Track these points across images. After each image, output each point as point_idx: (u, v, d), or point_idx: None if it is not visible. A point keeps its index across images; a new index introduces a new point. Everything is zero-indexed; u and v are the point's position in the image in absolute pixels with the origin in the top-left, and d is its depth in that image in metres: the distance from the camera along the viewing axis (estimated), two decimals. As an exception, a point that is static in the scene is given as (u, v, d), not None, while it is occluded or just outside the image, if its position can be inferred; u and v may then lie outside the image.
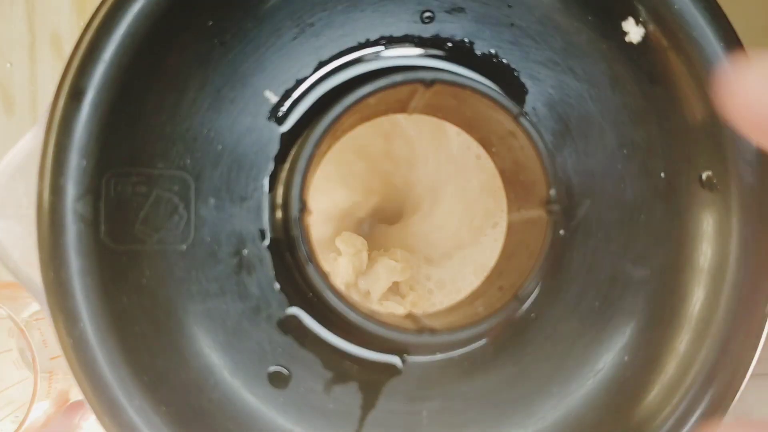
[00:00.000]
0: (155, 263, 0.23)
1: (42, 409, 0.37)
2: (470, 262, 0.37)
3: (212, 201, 0.24)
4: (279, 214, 0.24)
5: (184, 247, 0.23)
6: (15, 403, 0.40)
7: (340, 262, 0.36)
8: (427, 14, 0.25)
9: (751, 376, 0.24)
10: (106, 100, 0.22)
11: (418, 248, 0.38)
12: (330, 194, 0.37)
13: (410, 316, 0.26)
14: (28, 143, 0.23)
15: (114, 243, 0.22)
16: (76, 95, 0.21)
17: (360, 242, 0.37)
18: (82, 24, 0.43)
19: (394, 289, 0.37)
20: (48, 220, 0.21)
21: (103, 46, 0.22)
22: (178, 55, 0.23)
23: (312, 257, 0.23)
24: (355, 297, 0.36)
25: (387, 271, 0.36)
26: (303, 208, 0.23)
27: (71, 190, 0.21)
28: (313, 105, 0.25)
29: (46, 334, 0.38)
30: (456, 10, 0.25)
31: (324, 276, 0.23)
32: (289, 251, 0.24)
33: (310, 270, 0.23)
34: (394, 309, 0.36)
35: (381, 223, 0.40)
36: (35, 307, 0.38)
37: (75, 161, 0.21)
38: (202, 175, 0.24)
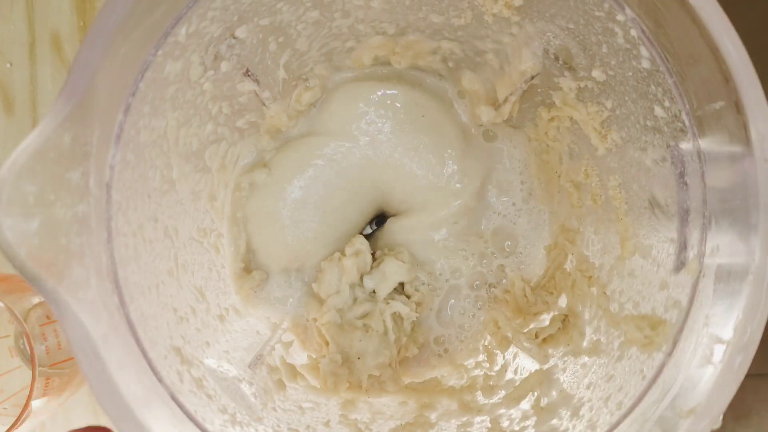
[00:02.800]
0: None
1: (37, 406, 0.36)
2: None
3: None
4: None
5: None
6: (5, 393, 0.40)
7: (344, 263, 0.36)
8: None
9: (751, 376, 0.24)
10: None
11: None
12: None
13: None
14: (34, 141, 0.23)
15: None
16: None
17: (360, 242, 0.37)
18: (82, 24, 0.43)
19: (399, 289, 0.38)
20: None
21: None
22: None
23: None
24: (359, 295, 0.37)
25: (393, 271, 0.36)
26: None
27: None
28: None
29: (49, 339, 0.38)
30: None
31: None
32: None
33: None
34: (401, 308, 0.36)
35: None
36: (35, 300, 0.38)
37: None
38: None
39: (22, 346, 0.41)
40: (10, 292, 0.36)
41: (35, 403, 0.35)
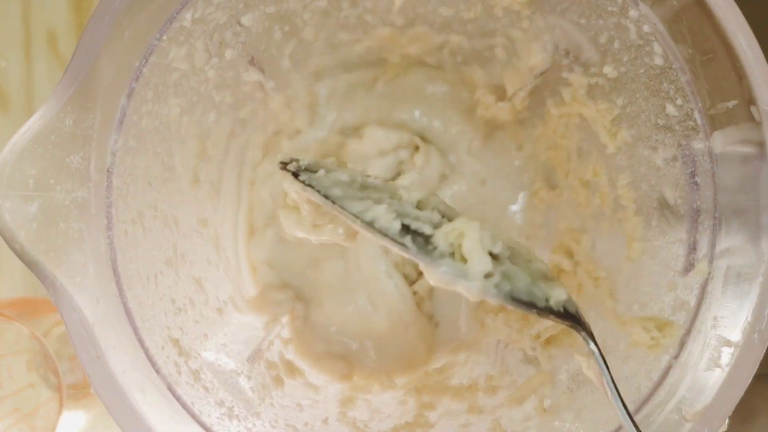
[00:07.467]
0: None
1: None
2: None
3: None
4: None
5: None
6: (20, 412, 0.39)
7: None
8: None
9: (758, 376, 0.24)
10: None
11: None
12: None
13: None
14: (36, 124, 0.23)
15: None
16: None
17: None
18: (79, 21, 0.43)
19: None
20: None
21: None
22: None
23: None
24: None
25: None
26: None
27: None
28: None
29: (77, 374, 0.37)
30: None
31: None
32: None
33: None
34: None
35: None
36: (53, 319, 0.37)
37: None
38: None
39: (40, 363, 0.40)
40: (34, 314, 0.35)
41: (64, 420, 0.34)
